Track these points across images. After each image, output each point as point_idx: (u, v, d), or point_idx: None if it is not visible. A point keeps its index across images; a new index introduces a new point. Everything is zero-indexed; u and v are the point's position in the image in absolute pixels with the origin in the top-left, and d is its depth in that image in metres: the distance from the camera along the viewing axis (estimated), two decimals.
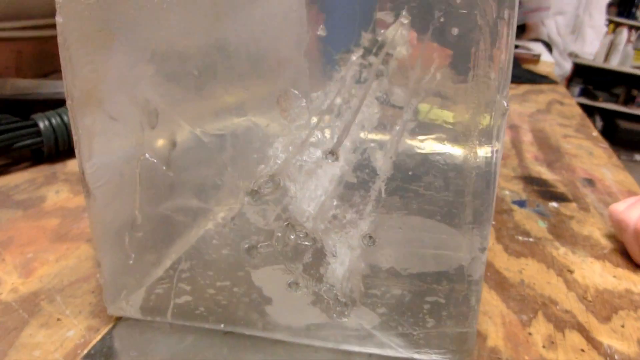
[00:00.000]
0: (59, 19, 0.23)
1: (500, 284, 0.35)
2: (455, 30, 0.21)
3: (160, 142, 0.25)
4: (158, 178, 0.25)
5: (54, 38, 0.23)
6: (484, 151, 0.22)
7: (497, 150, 0.22)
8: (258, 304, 0.26)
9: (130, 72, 0.24)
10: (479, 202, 0.23)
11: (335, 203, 0.24)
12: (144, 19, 0.23)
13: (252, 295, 0.26)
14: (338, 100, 0.23)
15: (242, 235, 0.25)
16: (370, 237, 0.23)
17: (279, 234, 0.24)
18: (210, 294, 0.27)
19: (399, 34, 0.22)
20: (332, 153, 0.22)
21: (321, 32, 0.22)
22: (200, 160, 0.25)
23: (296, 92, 0.23)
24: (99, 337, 0.27)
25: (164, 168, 0.24)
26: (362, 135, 0.23)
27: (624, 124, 3.13)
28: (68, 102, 0.24)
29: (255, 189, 0.23)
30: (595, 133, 0.76)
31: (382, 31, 0.22)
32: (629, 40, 3.10)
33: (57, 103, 0.50)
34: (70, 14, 0.23)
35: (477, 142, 0.22)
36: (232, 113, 0.24)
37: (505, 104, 0.21)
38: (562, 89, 1.06)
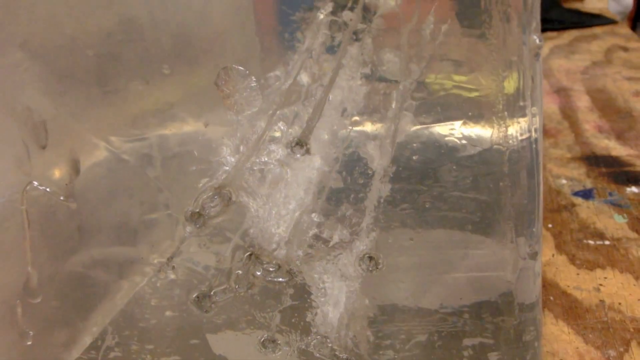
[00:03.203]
0: None
1: (570, 309, 0.35)
2: None
3: (56, 167, 0.25)
4: (58, 218, 0.25)
5: None
6: (517, 121, 0.23)
7: (535, 115, 0.22)
8: None
9: None
10: (520, 194, 0.23)
11: (316, 219, 0.24)
12: None
13: None
14: (304, 79, 0.23)
15: (190, 286, 0.25)
16: (371, 258, 0.23)
17: (239, 272, 0.24)
18: None
19: None
20: (300, 144, 0.22)
21: None
22: (117, 190, 0.25)
23: (240, 68, 0.23)
24: None
25: (62, 199, 0.24)
26: (344, 121, 0.24)
27: None
28: None
29: (197, 210, 0.23)
30: None
31: None
32: None
33: None
34: None
35: (507, 113, 0.23)
36: (155, 117, 0.24)
37: (537, 39, 0.21)
38: (624, 29, 1.07)
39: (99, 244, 0.25)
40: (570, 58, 0.90)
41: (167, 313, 0.26)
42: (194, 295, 0.25)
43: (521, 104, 0.22)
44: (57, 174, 0.25)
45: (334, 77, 0.23)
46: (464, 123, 0.23)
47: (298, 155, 0.23)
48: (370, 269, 0.24)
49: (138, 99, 0.24)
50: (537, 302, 0.24)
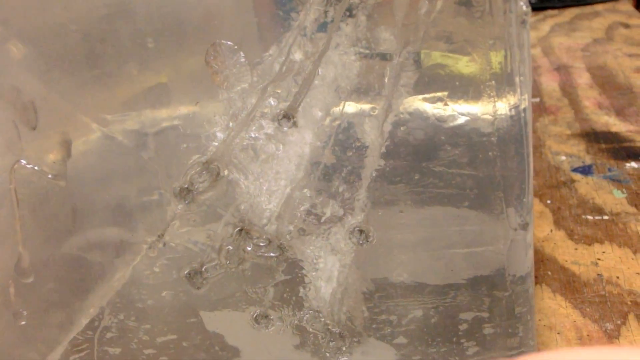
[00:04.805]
0: None
1: (568, 284, 0.35)
2: None
3: (48, 149, 0.25)
4: (51, 200, 0.25)
5: None
6: (505, 90, 0.22)
7: (523, 83, 0.22)
8: (219, 359, 0.26)
9: None
10: (510, 164, 0.23)
11: (308, 194, 0.24)
12: None
13: (211, 348, 0.26)
14: (297, 56, 0.23)
15: (184, 264, 0.25)
16: (361, 231, 0.23)
17: (230, 247, 0.24)
18: (148, 356, 0.27)
19: None
20: (288, 117, 0.22)
21: None
22: (111, 171, 0.25)
23: (229, 43, 0.23)
24: None
25: (50, 177, 0.24)
26: (337, 97, 0.23)
27: None
28: None
29: (186, 186, 0.23)
30: None
31: None
32: None
33: None
34: None
35: (494, 82, 0.22)
36: (148, 97, 0.24)
37: (523, 5, 0.21)
38: (625, 5, 1.07)
39: (94, 226, 0.25)
40: (571, 35, 0.90)
41: (164, 293, 0.26)
42: (185, 272, 0.25)
43: (508, 71, 0.22)
44: (49, 156, 0.25)
45: (325, 50, 0.23)
46: (452, 93, 0.22)
47: (285, 129, 0.23)
48: (361, 242, 0.24)
49: (130, 79, 0.24)
50: (529, 274, 0.24)
